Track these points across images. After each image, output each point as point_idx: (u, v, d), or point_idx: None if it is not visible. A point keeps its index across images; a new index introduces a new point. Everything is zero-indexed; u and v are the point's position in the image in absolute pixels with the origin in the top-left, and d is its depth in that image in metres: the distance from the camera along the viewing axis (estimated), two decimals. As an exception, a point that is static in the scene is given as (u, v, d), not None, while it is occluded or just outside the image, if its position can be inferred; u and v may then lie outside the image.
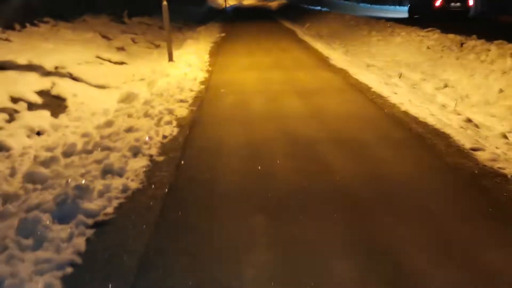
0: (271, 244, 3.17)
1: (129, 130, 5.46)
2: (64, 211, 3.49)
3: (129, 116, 6.22)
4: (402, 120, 5.95)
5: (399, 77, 9.51)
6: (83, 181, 3.92)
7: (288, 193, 3.90)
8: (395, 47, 13.43)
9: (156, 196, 3.88)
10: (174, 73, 8.88)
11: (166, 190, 3.97)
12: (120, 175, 4.28)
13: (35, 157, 5.08)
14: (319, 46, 13.84)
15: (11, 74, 7.93)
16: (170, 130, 5.61)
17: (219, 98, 7.29)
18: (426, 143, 5.10)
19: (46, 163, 4.70)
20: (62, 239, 3.19)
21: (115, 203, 3.77)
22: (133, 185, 4.09)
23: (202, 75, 8.99)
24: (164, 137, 5.39)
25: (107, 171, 4.28)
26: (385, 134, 5.40)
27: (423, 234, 3.26)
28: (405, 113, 6.28)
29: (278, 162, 4.58)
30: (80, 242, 3.19)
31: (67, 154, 5.07)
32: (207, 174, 4.34)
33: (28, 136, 6.12)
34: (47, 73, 8.59)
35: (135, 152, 4.83)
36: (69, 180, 3.92)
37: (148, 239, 3.26)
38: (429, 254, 3.02)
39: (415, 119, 5.98)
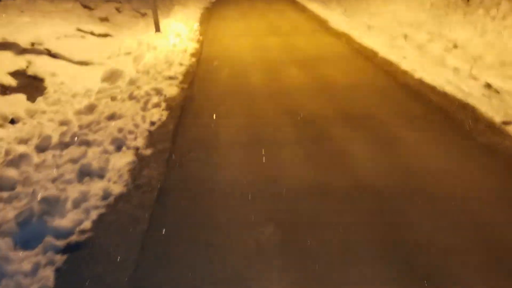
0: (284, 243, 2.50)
1: (112, 117, 4.70)
2: (28, 233, 2.80)
3: (113, 99, 5.44)
4: (418, 91, 5.20)
5: (405, 39, 8.67)
6: (54, 190, 3.20)
7: (303, 195, 3.20)
8: (395, 4, 12.46)
9: (143, 203, 3.17)
10: (162, 45, 8.01)
11: (155, 195, 3.26)
12: (101, 176, 3.56)
13: (7, 152, 4.34)
14: (316, 7, 12.85)
15: (-20, 54, 7.08)
16: (159, 114, 4.85)
17: (212, 73, 6.48)
18: (451, 118, 4.37)
19: (15, 162, 3.97)
20: (24, 272, 2.50)
21: (94, 214, 3.07)
22: (116, 188, 3.38)
23: (192, 46, 8.11)
24: (152, 123, 4.64)
25: (84, 173, 3.55)
26: (403, 109, 4.66)
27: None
28: (420, 81, 5.53)
29: (285, 151, 3.86)
30: (47, 275, 2.51)
31: (41, 148, 4.33)
32: (202, 171, 3.62)
33: (1, 126, 5.36)
34: (22, 51, 7.70)
35: (119, 145, 4.09)
36: (37, 189, 3.20)
37: (134, 267, 2.58)
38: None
39: (433, 89, 5.24)
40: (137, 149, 4.06)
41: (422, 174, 3.37)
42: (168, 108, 5.07)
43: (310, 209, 3.00)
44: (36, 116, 5.62)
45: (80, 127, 4.57)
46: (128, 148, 4.06)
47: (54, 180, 3.45)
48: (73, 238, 2.82)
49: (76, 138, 4.32)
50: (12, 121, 5.54)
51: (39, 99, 6.26)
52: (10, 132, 5.15)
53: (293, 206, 3.04)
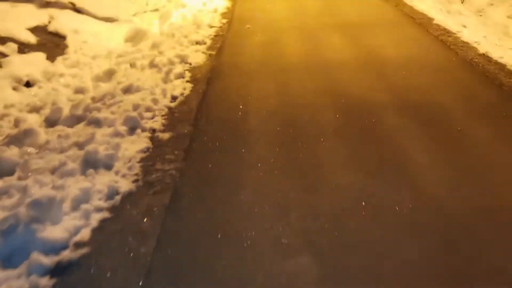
0: None
1: (128, 89, 4.06)
2: (11, 246, 2.26)
3: (132, 65, 4.79)
4: (485, 70, 4.34)
5: (462, 2, 7.58)
6: (50, 188, 2.64)
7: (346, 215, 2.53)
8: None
9: (152, 209, 2.58)
10: (192, 3, 7.21)
11: (167, 200, 2.65)
12: (108, 166, 2.97)
13: (16, 122, 3.84)
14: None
15: (-2, 7, 6.48)
16: (182, 87, 4.20)
17: (244, 38, 5.70)
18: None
19: (20, 138, 3.44)
20: (0, 303, 1.98)
21: (94, 220, 2.50)
22: (124, 185, 2.80)
23: (224, 5, 7.29)
24: (173, 98, 3.99)
25: (89, 162, 2.97)
26: (469, 95, 3.84)
27: None
28: (486, 57, 4.64)
29: (323, 146, 3.16)
30: (28, 309, 1.98)
31: (50, 121, 3.80)
32: (225, 168, 2.97)
33: (14, 89, 4.83)
34: (45, 4, 7.05)
35: (132, 126, 3.48)
36: (30, 185, 2.63)
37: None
38: None
39: (503, 67, 4.36)
40: (153, 131, 3.44)
41: (503, 192, 2.64)
42: (193, 80, 4.40)
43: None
44: (53, 79, 5.05)
45: (94, 99, 3.96)
46: (143, 130, 3.44)
47: (54, 171, 2.89)
48: (66, 254, 2.26)
49: (87, 113, 3.74)
50: (28, 84, 5.00)
51: (59, 59, 5.66)
52: (23, 97, 4.63)
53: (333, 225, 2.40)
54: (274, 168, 2.90)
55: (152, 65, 4.65)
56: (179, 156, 3.09)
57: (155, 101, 3.88)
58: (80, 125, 3.54)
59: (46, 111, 4.02)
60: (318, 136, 3.27)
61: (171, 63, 4.72)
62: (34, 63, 5.42)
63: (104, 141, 3.20)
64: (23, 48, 5.76)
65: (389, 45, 5.12)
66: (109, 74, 4.73)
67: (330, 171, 2.85)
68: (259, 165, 2.94)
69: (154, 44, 5.29)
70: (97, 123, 3.50)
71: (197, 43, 5.33)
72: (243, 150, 3.12)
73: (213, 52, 5.17)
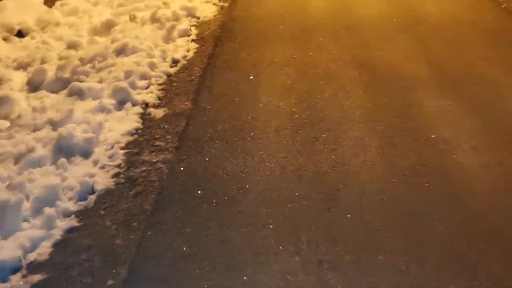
0: None
1: (123, 50, 3.42)
2: None
3: (132, 18, 4.09)
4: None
5: None
6: (7, 193, 2.10)
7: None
8: None
9: (130, 218, 2.03)
10: None
11: (150, 207, 2.09)
12: (85, 154, 2.42)
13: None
14: None
15: None
16: (185, 48, 3.54)
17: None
18: None
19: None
20: None
21: (58, 230, 1.98)
22: (102, 180, 2.25)
23: None
24: (174, 62, 3.35)
25: (63, 147, 2.42)
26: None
27: None
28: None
29: (349, 133, 2.52)
30: None
31: (33, 85, 3.25)
32: (226, 162, 2.38)
33: (5, 39, 4.26)
34: None
35: (122, 98, 2.89)
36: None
37: None
38: None
39: None
40: (145, 106, 2.85)
41: None
42: (199, 39, 3.72)
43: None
44: (48, 29, 4.43)
45: (82, 61, 3.34)
46: (134, 104, 2.85)
47: (18, 159, 2.35)
48: (14, 283, 1.76)
49: (74, 76, 3.15)
50: (19, 34, 4.39)
51: (57, 4, 4.97)
52: (13, 49, 4.05)
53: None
54: (285, 166, 2.30)
55: (154, 19, 3.95)
56: (171, 143, 2.50)
57: (152, 65, 3.25)
58: (62, 95, 2.96)
59: (32, 69, 3.46)
60: (341, 121, 2.62)
61: (176, 17, 4.01)
62: (30, 9, 4.78)
63: (84, 119, 2.63)
64: (19, -10, 5.07)
65: (433, 4, 4.26)
66: (107, 27, 4.07)
67: (355, 172, 2.25)
68: (267, 163, 2.35)
69: (159, -8, 4.54)
70: (80, 94, 2.90)
71: (209, -8, 4.56)
72: (248, 139, 2.51)
73: (226, 4, 4.41)
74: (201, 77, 3.13)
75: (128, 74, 3.09)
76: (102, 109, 2.76)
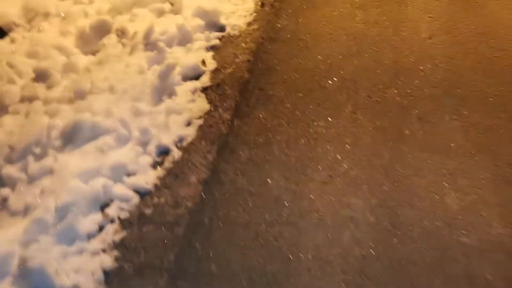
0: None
1: (75, 133, 1.88)
2: None
3: (120, 34, 2.45)
4: None
5: None
6: None
7: None
8: None
9: None
10: None
11: None
12: None
13: None
14: None
15: None
16: (186, 116, 1.91)
17: None
18: None
19: None
20: None
21: None
22: None
23: None
24: (161, 154, 1.79)
25: None
26: None
27: None
28: None
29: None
30: None
31: None
32: None
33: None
34: None
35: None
36: None
37: None
38: None
39: None
40: None
41: None
42: (215, 85, 2.03)
43: None
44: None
45: (12, 150, 1.87)
46: None
47: None
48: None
49: None
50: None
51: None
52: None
53: None
54: None
55: (150, 39, 2.25)
56: None
57: (118, 172, 1.69)
58: None
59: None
60: None
61: (184, 34, 2.31)
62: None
63: None
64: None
65: None
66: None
67: None
68: None
69: None
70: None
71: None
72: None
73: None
74: (204, 209, 1.57)
75: (65, 207, 1.60)
76: None
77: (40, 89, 2.41)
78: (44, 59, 2.55)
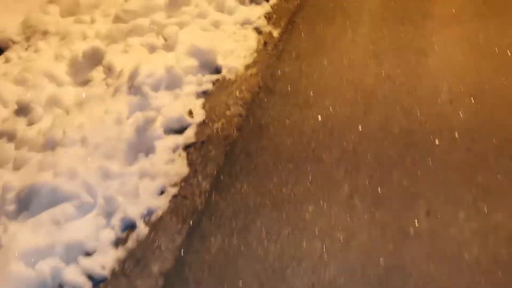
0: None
1: (32, 199, 1.66)
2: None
3: (107, 71, 2.23)
4: None
5: None
6: None
7: None
8: None
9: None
10: None
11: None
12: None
13: None
14: None
15: None
16: (160, 183, 1.66)
17: None
18: None
19: None
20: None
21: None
22: None
23: None
24: (125, 229, 1.55)
25: None
26: None
27: None
28: None
29: None
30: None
31: None
32: None
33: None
34: None
35: None
36: None
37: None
38: None
39: None
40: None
41: None
42: (199, 142, 1.75)
43: None
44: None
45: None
46: None
47: None
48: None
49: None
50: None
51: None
52: None
53: None
54: None
55: (134, 83, 2.03)
56: None
57: (72, 252, 1.47)
58: None
59: None
60: None
61: (174, 78, 2.04)
62: None
63: None
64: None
65: None
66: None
67: None
68: None
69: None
70: None
71: None
72: None
73: (276, 33, 2.29)
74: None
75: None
76: None
77: (20, 124, 2.25)
78: (31, 88, 2.38)
